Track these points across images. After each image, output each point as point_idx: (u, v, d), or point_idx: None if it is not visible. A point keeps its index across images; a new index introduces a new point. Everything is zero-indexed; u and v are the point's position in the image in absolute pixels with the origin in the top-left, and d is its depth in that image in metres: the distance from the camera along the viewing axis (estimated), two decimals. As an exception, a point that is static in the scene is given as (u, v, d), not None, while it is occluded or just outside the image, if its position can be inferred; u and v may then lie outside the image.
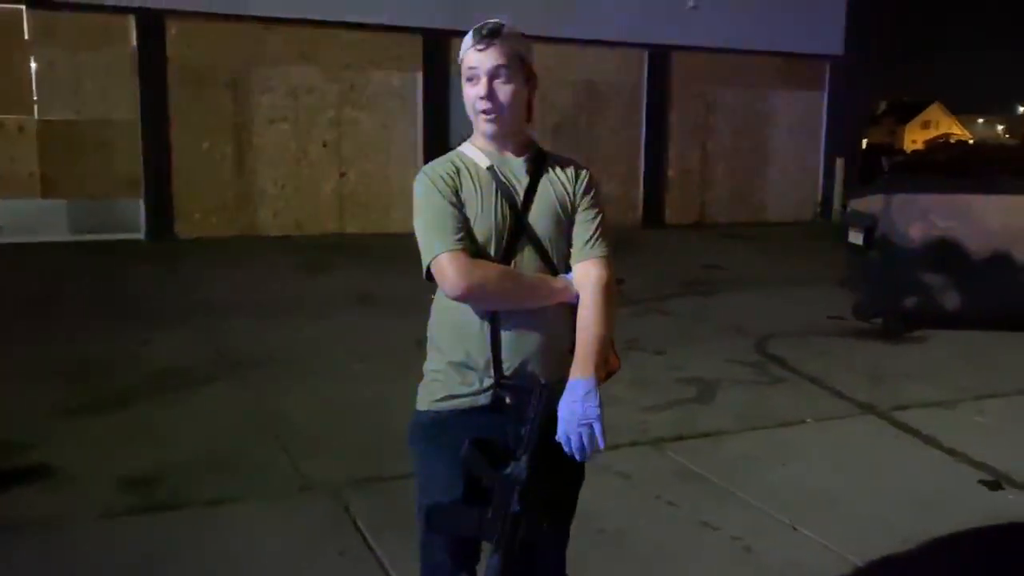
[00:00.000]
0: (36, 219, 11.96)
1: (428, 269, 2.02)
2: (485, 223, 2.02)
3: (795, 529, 3.70)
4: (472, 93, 2.04)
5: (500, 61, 2.01)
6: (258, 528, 3.66)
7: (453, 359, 2.06)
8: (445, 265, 1.97)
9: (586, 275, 2.07)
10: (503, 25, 2.03)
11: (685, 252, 12.69)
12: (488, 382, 2.02)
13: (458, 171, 2.06)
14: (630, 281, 7.41)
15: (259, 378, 5.80)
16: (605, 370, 2.02)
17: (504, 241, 2.03)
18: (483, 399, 2.03)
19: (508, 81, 2.03)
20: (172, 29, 12.45)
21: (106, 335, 6.86)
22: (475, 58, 2.02)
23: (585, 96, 15.12)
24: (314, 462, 4.34)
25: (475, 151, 2.11)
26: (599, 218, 2.13)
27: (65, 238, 11.96)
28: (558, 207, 2.09)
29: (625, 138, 15.69)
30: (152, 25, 12.29)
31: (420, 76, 13.92)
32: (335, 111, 13.59)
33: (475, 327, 2.03)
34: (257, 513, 3.80)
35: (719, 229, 15.51)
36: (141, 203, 12.60)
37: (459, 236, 1.99)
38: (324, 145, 13.55)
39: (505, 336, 2.02)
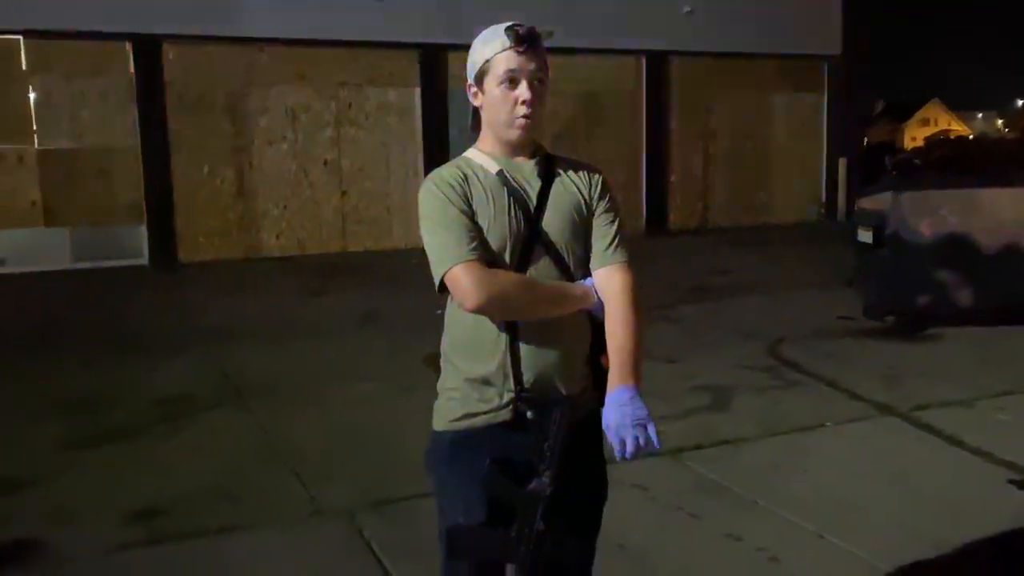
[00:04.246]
0: (39, 248, 11.92)
1: (441, 281, 1.93)
2: (498, 230, 1.94)
3: (822, 537, 3.60)
4: (511, 96, 1.95)
5: (539, 64, 1.96)
6: (272, 556, 3.58)
7: (470, 375, 1.97)
8: (460, 276, 1.88)
9: (610, 281, 2.00)
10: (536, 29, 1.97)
11: (690, 257, 12.60)
12: (508, 397, 1.94)
13: (466, 177, 1.97)
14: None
15: (266, 402, 5.72)
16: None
17: (519, 248, 1.95)
18: (503, 415, 1.95)
19: (543, 85, 1.98)
20: (169, 54, 12.44)
21: (110, 364, 6.79)
22: (516, 60, 1.94)
23: (584, 104, 15.08)
24: (326, 486, 4.25)
25: (482, 156, 2.03)
26: (617, 222, 2.06)
27: (68, 266, 11.92)
28: (573, 211, 2.01)
29: (626, 145, 15.64)
30: (149, 50, 12.28)
31: (418, 92, 13.89)
32: (333, 130, 13.56)
33: (492, 340, 1.95)
34: (270, 540, 3.71)
35: (723, 233, 15.43)
36: (143, 229, 12.57)
37: (473, 245, 1.90)
38: (325, 164, 13.52)
39: (524, 348, 1.94)
